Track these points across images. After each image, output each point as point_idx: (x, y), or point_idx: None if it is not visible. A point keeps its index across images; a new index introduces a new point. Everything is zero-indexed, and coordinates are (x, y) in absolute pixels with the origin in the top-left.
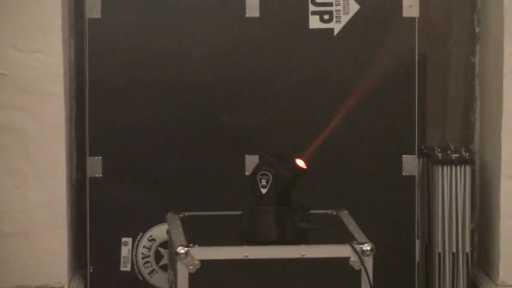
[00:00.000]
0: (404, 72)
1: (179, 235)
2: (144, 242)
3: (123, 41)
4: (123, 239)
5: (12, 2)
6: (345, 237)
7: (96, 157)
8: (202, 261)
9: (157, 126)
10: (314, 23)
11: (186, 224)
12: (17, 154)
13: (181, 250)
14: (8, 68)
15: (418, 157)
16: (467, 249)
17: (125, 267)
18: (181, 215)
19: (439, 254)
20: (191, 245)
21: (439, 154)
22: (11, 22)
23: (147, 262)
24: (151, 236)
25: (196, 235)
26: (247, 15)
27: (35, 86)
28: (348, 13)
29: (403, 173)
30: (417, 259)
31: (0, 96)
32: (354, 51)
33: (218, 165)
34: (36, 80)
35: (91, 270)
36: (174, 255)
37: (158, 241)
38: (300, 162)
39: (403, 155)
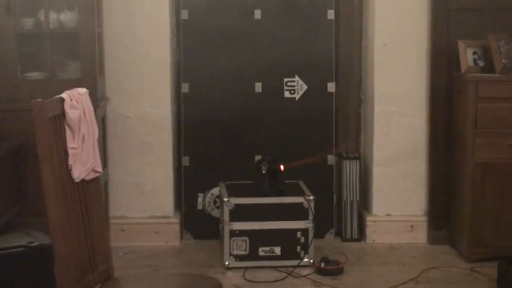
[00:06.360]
0: (326, 119)
1: (225, 192)
2: (208, 195)
3: (198, 101)
4: (199, 194)
5: (142, 84)
6: (301, 193)
7: (186, 156)
8: (236, 205)
9: (214, 141)
10: (287, 94)
11: (228, 187)
12: (151, 154)
13: (225, 199)
14: (146, 117)
15: (335, 156)
16: (358, 198)
17: (199, 207)
18: (226, 183)
19: (344, 200)
20: (230, 196)
21: (344, 154)
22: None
23: (210, 205)
24: (212, 193)
25: (233, 192)
26: (255, 91)
27: (158, 123)
28: (302, 90)
29: (328, 164)
30: (334, 203)
31: (144, 128)
32: (305, 107)
33: (242, 159)
34: (158, 121)
35: (183, 208)
36: (222, 201)
37: (215, 195)
38: (281, 167)
39: (328, 155)
